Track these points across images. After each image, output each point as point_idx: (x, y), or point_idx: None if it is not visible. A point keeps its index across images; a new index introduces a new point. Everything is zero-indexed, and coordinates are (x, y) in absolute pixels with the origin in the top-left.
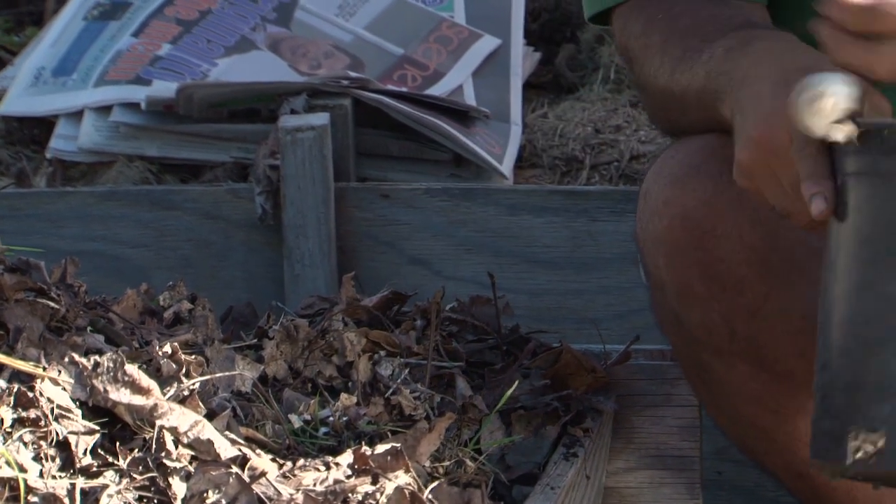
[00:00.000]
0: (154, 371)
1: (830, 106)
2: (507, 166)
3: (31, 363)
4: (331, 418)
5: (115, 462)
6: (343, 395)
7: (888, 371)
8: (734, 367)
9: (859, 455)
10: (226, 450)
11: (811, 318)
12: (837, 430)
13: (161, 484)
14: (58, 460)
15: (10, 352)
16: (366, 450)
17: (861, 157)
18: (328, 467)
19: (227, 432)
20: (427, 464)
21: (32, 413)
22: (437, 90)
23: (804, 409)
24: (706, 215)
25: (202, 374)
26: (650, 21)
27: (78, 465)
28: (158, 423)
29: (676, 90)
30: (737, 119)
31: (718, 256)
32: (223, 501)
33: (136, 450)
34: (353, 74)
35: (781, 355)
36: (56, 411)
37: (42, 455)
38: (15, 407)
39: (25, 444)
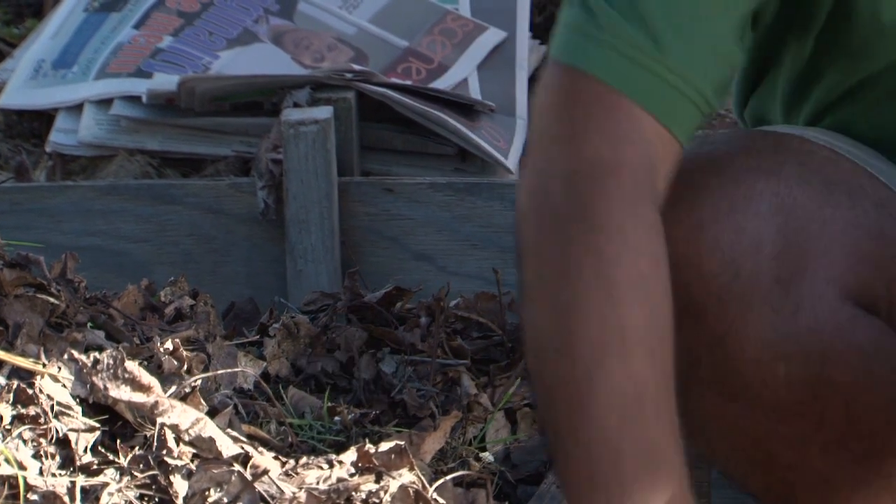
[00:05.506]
0: (155, 368)
1: None
2: (512, 161)
3: (31, 359)
4: (337, 418)
5: (116, 460)
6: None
7: None
8: (703, 395)
9: None
10: (227, 447)
11: (773, 347)
12: None
13: (162, 482)
14: (57, 458)
15: (10, 348)
16: (369, 448)
17: None
18: (331, 465)
19: (228, 430)
20: (431, 462)
21: (32, 410)
22: (442, 83)
23: (776, 434)
24: None
25: (204, 371)
26: None
27: (78, 463)
28: (159, 420)
29: None
30: None
31: (676, 285)
32: (225, 500)
33: (137, 447)
34: (356, 67)
35: (746, 383)
36: (56, 408)
37: (42, 452)
38: (14, 404)
39: (25, 441)
